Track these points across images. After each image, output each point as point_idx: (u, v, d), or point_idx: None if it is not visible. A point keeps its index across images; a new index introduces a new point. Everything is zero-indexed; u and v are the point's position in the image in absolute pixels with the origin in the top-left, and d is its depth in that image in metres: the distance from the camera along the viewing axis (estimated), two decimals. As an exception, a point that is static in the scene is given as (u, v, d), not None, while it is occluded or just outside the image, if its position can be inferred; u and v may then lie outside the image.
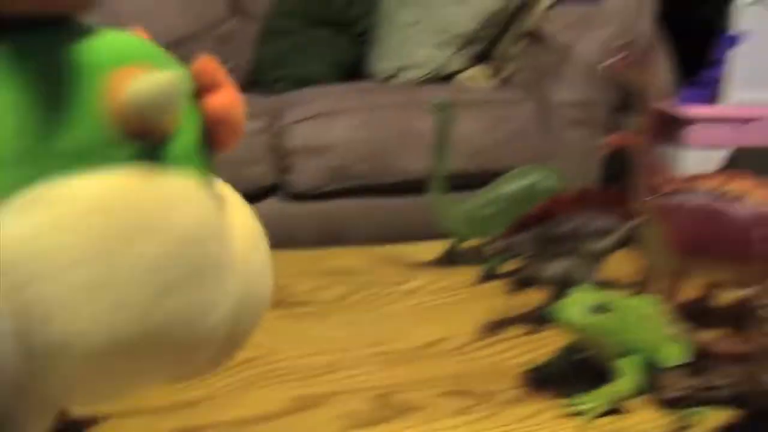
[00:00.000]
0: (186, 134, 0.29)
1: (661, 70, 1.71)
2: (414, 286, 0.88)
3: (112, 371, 0.26)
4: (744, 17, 1.94)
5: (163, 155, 0.28)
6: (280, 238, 1.35)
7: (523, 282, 0.80)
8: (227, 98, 0.31)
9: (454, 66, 1.91)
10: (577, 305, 0.61)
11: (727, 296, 0.78)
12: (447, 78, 1.91)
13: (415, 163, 1.69)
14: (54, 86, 0.26)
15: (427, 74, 1.88)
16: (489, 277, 0.90)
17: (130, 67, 0.28)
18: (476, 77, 1.89)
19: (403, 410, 0.62)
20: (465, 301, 0.84)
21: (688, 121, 1.80)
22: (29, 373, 0.24)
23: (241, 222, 0.33)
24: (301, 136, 1.63)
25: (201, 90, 0.30)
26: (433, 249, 1.00)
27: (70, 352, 0.24)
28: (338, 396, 0.64)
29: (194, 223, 0.27)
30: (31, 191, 0.24)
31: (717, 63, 1.97)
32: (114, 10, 2.07)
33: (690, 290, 0.75)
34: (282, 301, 0.84)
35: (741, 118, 1.81)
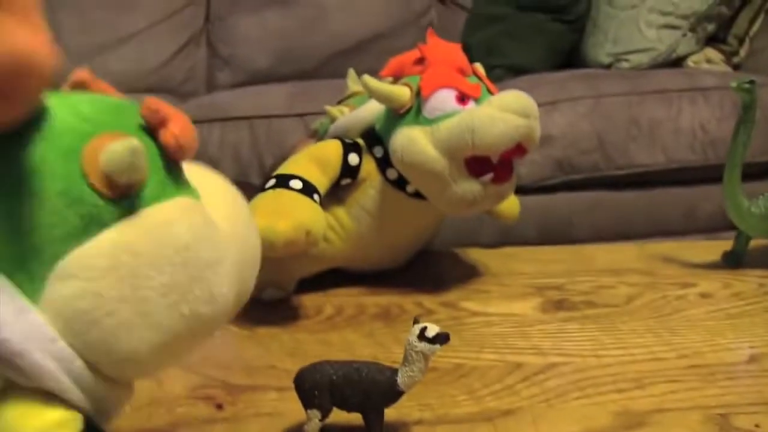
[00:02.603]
0: (155, 173, 0.36)
1: None
2: (706, 290, 0.79)
3: (162, 360, 0.37)
4: None
5: (145, 197, 0.35)
6: (500, 231, 1.28)
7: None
8: (177, 129, 0.36)
9: (684, 49, 1.77)
10: None
11: None
12: (676, 62, 1.78)
13: (644, 155, 1.58)
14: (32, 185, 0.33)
15: (653, 59, 1.75)
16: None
17: (96, 140, 0.34)
18: (710, 60, 1.74)
19: (750, 437, 0.53)
20: (773, 309, 0.74)
21: None
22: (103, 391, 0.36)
23: (220, 199, 0.40)
24: (522, 126, 1.56)
25: (153, 127, 0.36)
26: (709, 249, 0.90)
27: (128, 367, 0.36)
28: (665, 414, 0.56)
29: (188, 241, 0.35)
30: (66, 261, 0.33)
31: None
32: (319, 3, 2.09)
33: None
34: (564, 302, 0.77)
35: None
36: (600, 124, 1.59)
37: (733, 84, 0.76)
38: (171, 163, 0.37)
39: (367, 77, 0.72)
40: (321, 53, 2.08)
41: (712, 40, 1.81)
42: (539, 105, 1.61)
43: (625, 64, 1.78)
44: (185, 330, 0.35)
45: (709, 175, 1.57)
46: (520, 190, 1.56)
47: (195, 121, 1.23)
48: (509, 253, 0.92)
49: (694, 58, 1.78)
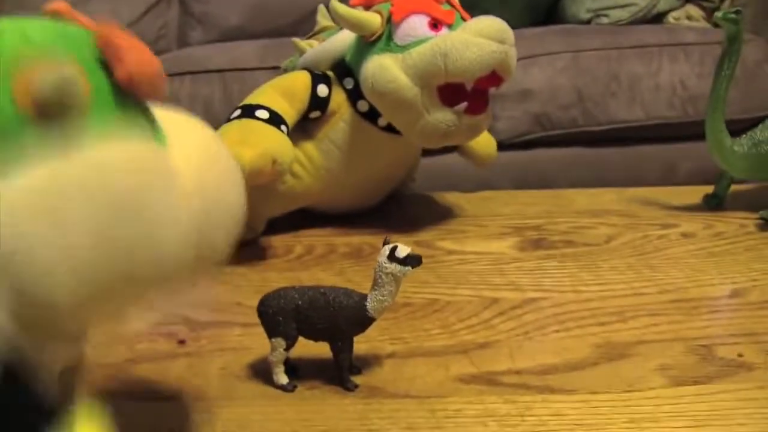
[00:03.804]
0: (102, 102, 0.32)
1: None
2: (688, 230, 0.77)
3: (98, 297, 0.31)
4: None
5: (86, 131, 0.31)
6: (477, 186, 1.27)
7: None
8: (132, 63, 0.33)
9: (663, 5, 1.74)
10: None
11: None
12: (655, 19, 1.75)
13: (624, 110, 1.56)
14: None
15: (634, 15, 1.73)
16: (770, 223, 0.78)
17: (34, 63, 0.31)
18: (691, 17, 1.72)
19: (733, 367, 0.51)
20: (755, 248, 0.72)
21: None
22: (27, 322, 0.30)
23: (190, 144, 0.36)
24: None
25: (108, 60, 0.33)
26: (689, 193, 0.88)
27: (51, 317, 0.31)
28: (647, 346, 0.54)
29: (131, 186, 0.31)
30: None
31: None
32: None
33: None
34: (542, 241, 0.75)
35: None
36: (579, 80, 1.56)
37: (719, 14, 0.74)
38: (128, 101, 0.34)
39: (336, 3, 0.68)
40: (296, 11, 2.03)
41: (692, -4, 1.79)
42: (518, 59, 1.59)
43: (604, 20, 1.75)
44: (120, 285, 0.32)
45: (688, 131, 1.55)
46: (498, 146, 1.54)
47: (166, 74, 1.18)
48: (486, 197, 0.90)
49: (674, 14, 1.75)
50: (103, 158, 0.31)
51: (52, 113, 0.31)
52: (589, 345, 0.54)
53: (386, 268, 0.47)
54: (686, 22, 1.73)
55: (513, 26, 1.77)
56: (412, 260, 0.47)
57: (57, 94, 0.30)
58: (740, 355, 0.52)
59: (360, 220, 0.80)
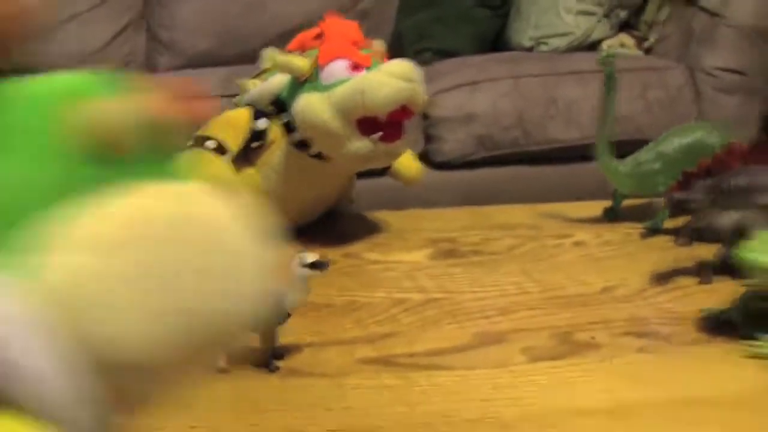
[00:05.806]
0: (147, 145, 0.33)
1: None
2: (580, 239, 0.89)
3: (177, 353, 0.30)
4: None
5: (137, 169, 0.32)
6: (425, 206, 1.39)
7: (693, 234, 0.80)
8: (159, 102, 0.34)
9: (598, 34, 1.88)
10: (763, 248, 0.61)
11: None
12: (591, 46, 1.89)
13: (561, 131, 1.68)
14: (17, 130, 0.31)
15: (570, 43, 1.86)
16: (652, 231, 0.91)
17: (79, 100, 0.32)
18: (624, 45, 1.86)
19: (584, 347, 0.63)
20: (633, 253, 0.85)
21: None
22: (102, 385, 0.29)
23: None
24: (446, 106, 1.65)
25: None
26: (593, 207, 1.01)
27: (139, 358, 0.29)
28: (519, 333, 0.66)
29: (207, 221, 0.31)
30: (46, 232, 0.29)
31: None
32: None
33: None
34: (454, 251, 0.87)
35: None
36: (520, 103, 1.68)
37: (599, 57, 0.87)
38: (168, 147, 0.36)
39: (272, 51, 0.81)
40: (261, 36, 2.13)
41: (625, 26, 1.93)
42: (463, 85, 1.71)
43: (544, 47, 1.88)
44: (195, 338, 0.30)
45: (620, 150, 1.67)
46: (445, 166, 1.67)
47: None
48: (415, 214, 1.02)
49: (608, 42, 1.89)
50: (188, 189, 0.32)
51: (105, 144, 0.31)
52: (473, 334, 0.67)
53: (297, 271, 0.59)
54: (619, 49, 1.86)
55: (463, 53, 1.91)
56: (320, 265, 0.59)
57: (108, 127, 0.32)
58: (593, 338, 0.65)
59: (300, 236, 0.92)
